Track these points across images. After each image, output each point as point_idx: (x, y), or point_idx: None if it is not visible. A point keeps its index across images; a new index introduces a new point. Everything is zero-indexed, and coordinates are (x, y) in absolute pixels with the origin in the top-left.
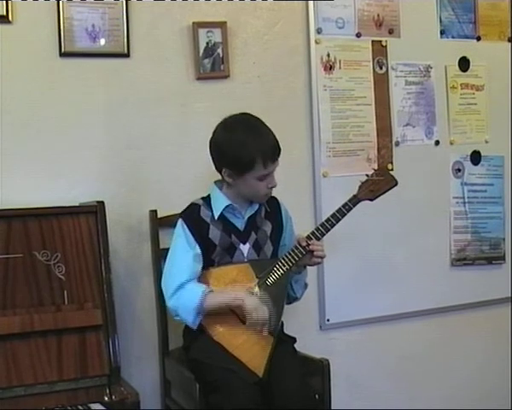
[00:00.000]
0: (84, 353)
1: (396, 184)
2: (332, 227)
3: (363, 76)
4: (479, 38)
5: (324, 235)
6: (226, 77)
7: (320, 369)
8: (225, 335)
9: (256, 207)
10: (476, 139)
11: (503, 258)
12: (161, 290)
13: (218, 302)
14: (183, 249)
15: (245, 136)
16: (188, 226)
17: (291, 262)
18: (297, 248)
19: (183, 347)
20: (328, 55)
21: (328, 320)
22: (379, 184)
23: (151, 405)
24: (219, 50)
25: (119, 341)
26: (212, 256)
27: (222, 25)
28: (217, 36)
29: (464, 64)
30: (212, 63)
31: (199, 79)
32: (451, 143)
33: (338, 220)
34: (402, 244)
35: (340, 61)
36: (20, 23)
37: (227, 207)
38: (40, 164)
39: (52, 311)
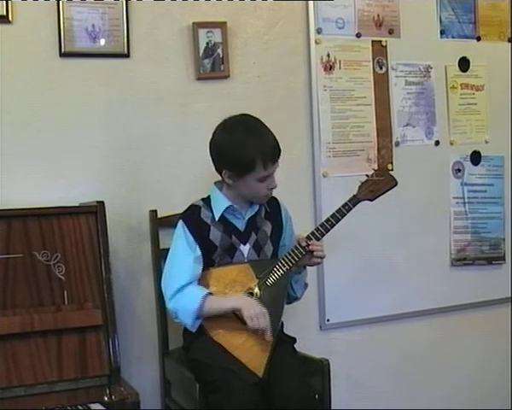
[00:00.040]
0: (84, 353)
1: (396, 184)
2: (332, 227)
3: (363, 76)
4: (479, 39)
5: (324, 235)
6: (226, 77)
7: (320, 369)
8: (225, 335)
9: (256, 207)
10: (476, 139)
11: (503, 258)
12: (161, 291)
13: (218, 307)
14: (183, 251)
15: (245, 137)
16: (188, 228)
17: (291, 262)
18: (297, 248)
19: (183, 347)
20: (328, 56)
21: (328, 320)
22: (379, 184)
23: (151, 405)
24: (219, 50)
25: (119, 341)
26: (212, 257)
27: (222, 25)
28: (217, 36)
29: (464, 64)
30: (212, 63)
31: (199, 79)
32: (451, 144)
33: (338, 221)
34: (402, 244)
35: (340, 62)
36: (20, 23)
37: (227, 208)
38: (40, 164)
39: (52, 311)
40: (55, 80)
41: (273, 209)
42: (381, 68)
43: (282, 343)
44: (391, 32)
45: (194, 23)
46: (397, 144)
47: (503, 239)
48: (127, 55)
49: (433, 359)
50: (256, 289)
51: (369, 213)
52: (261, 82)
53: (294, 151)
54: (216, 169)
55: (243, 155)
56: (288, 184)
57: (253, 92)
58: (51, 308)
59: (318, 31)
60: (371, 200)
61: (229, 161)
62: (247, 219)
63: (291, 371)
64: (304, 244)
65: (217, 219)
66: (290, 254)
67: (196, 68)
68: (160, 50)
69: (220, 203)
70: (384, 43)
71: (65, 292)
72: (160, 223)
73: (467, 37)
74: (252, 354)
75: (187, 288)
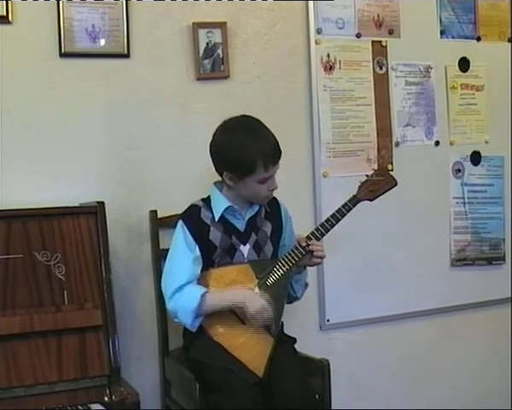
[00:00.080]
0: (84, 353)
1: (396, 184)
2: (332, 227)
3: (363, 76)
4: (479, 39)
5: (324, 235)
6: (226, 77)
7: (320, 369)
8: (225, 335)
9: (256, 208)
10: (476, 140)
11: (503, 258)
12: (161, 291)
13: (217, 304)
14: (182, 251)
15: (245, 139)
16: (188, 228)
17: (291, 263)
18: (297, 248)
19: (183, 347)
20: (328, 56)
21: (328, 320)
22: (378, 184)
23: (151, 405)
24: (219, 51)
25: (119, 341)
26: (212, 257)
27: (222, 25)
28: (217, 36)
29: (464, 64)
30: (212, 63)
31: (199, 79)
32: (451, 144)
33: (338, 221)
34: (402, 244)
35: (340, 62)
36: (20, 23)
37: (227, 208)
38: (40, 164)
39: (52, 311)
40: (55, 80)
41: (273, 209)
42: (381, 68)
43: (283, 343)
44: (391, 33)
45: (194, 23)
46: (397, 144)
47: (503, 239)
48: (127, 56)
49: (433, 359)
50: (256, 290)
51: (369, 214)
52: (261, 82)
53: (294, 151)
54: (216, 170)
55: (244, 157)
56: (288, 184)
57: (253, 92)
58: (51, 309)
59: (318, 31)
60: (371, 200)
61: (230, 163)
62: (247, 219)
63: (291, 371)
64: (304, 244)
65: (217, 219)
66: (290, 254)
67: (196, 68)
68: (160, 50)
69: (220, 204)
70: (384, 44)
71: (65, 292)
72: (160, 223)
73: (467, 37)
74: (252, 354)
75: (186, 287)
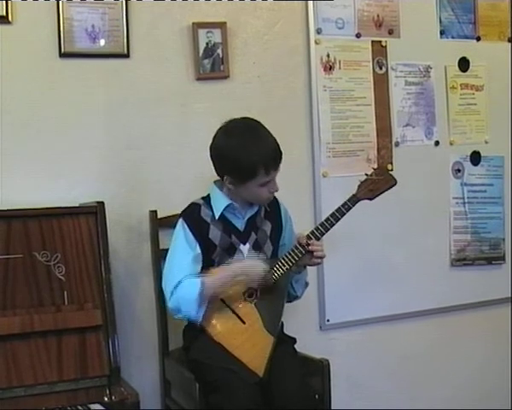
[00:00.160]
0: (83, 353)
1: (395, 183)
2: (331, 227)
3: (362, 76)
4: (478, 39)
5: (324, 234)
6: (226, 77)
7: (320, 369)
8: (225, 335)
9: (256, 207)
10: (476, 140)
11: (502, 258)
12: (161, 291)
13: (218, 285)
14: (183, 249)
15: (246, 144)
16: (188, 226)
17: (291, 262)
18: (297, 247)
19: (182, 347)
20: (328, 56)
21: (328, 321)
22: (378, 183)
23: (151, 405)
24: (219, 51)
25: (118, 341)
26: (212, 256)
27: (222, 25)
28: (216, 36)
29: (464, 64)
30: (211, 63)
31: (199, 79)
32: (451, 144)
33: (337, 220)
34: (402, 244)
35: (339, 62)
36: (19, 23)
37: (227, 206)
38: (40, 164)
39: (52, 311)
40: (55, 80)
41: (273, 209)
42: (380, 68)
43: (282, 344)
44: (391, 33)
45: (193, 23)
46: (396, 144)
47: (503, 239)
48: (127, 56)
49: (432, 359)
50: (256, 289)
51: (368, 214)
52: (261, 82)
53: (294, 151)
54: (217, 173)
55: (245, 163)
56: (288, 184)
57: (253, 92)
58: (51, 309)
59: (318, 31)
60: (371, 199)
61: (231, 167)
62: (246, 218)
63: (291, 371)
64: (304, 242)
65: (217, 217)
66: (290, 254)
67: (196, 68)
68: (159, 50)
69: (220, 202)
70: (384, 44)
71: (65, 292)
72: (160, 223)
73: (466, 37)
74: (252, 354)
75: (184, 280)
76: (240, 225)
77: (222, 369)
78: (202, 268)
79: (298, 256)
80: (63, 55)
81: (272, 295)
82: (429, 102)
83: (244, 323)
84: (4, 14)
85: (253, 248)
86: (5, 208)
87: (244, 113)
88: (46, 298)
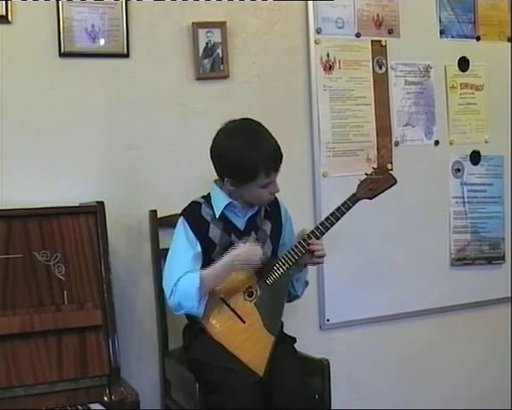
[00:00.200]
0: (83, 353)
1: (395, 182)
2: (331, 226)
3: (362, 76)
4: (478, 38)
5: (324, 234)
6: (226, 77)
7: (320, 369)
8: (225, 334)
9: (256, 207)
10: (476, 139)
11: (502, 258)
12: (161, 290)
13: (217, 275)
14: (183, 247)
15: (246, 146)
16: (189, 224)
17: (291, 261)
18: (300, 243)
19: (182, 347)
20: (328, 55)
21: (327, 320)
22: (378, 182)
23: (151, 405)
24: (219, 50)
25: (118, 341)
26: (211, 255)
27: (221, 25)
28: (216, 36)
29: (464, 64)
30: (211, 63)
31: (198, 79)
32: (451, 143)
33: (337, 219)
34: (402, 244)
35: (339, 61)
36: (19, 23)
37: (228, 205)
38: (40, 164)
39: (52, 311)
40: (55, 80)
41: (273, 209)
42: (380, 68)
43: (282, 343)
44: (390, 32)
45: (193, 23)
46: (396, 144)
47: (503, 239)
48: (127, 55)
49: (432, 359)
50: (256, 289)
51: (368, 213)
52: (261, 82)
53: (294, 151)
54: (217, 174)
55: (245, 165)
56: (288, 183)
57: (253, 92)
58: (51, 308)
59: (318, 31)
60: (371, 198)
61: (231, 170)
62: (246, 218)
63: (291, 371)
64: (306, 239)
65: (217, 216)
66: (291, 252)
67: (196, 68)
68: (159, 50)
69: (220, 201)
70: (383, 43)
71: (65, 292)
72: (160, 223)
73: (466, 36)
74: (252, 354)
75: (183, 276)
76: (240, 224)
77: (222, 369)
78: (202, 267)
79: (301, 252)
80: (63, 54)
81: (272, 294)
82: (429, 102)
83: (244, 322)
84: (4, 13)
85: None
86: (5, 208)
87: (244, 112)
88: (46, 298)
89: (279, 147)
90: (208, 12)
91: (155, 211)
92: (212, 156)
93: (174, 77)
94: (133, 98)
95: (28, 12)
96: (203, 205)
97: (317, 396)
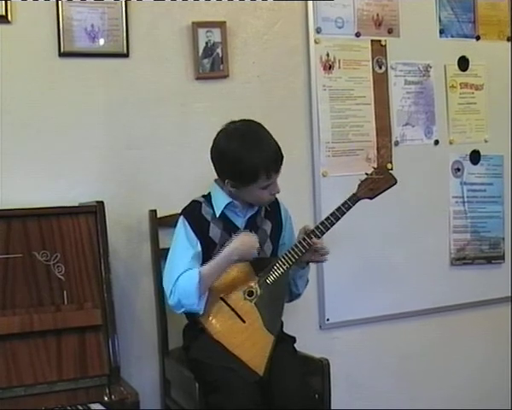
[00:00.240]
0: (83, 353)
1: (395, 182)
2: (331, 226)
3: (362, 76)
4: (478, 38)
5: (324, 234)
6: (225, 77)
7: (320, 369)
8: (225, 334)
9: (256, 207)
10: (475, 139)
11: (502, 257)
12: (161, 290)
13: (215, 269)
14: (183, 247)
15: (247, 149)
16: (189, 223)
17: (291, 260)
18: (304, 239)
19: (182, 346)
20: (328, 55)
21: (327, 320)
22: (378, 182)
23: (151, 405)
24: (219, 50)
25: (118, 341)
26: (211, 255)
27: (221, 24)
28: (216, 36)
29: (464, 63)
30: (211, 63)
31: (198, 78)
32: (451, 143)
33: (337, 219)
34: (401, 244)
35: (339, 61)
36: (19, 23)
37: (228, 204)
38: (40, 164)
39: (52, 311)
40: (55, 80)
41: (273, 208)
42: (380, 68)
43: (282, 343)
44: (390, 32)
45: (193, 23)
46: (396, 144)
47: (503, 238)
48: (126, 55)
49: (432, 358)
50: (256, 288)
51: (368, 213)
52: (260, 82)
53: (294, 151)
54: (218, 176)
55: (246, 167)
56: (288, 183)
57: (253, 92)
58: (51, 308)
59: (318, 30)
60: (371, 198)
61: (232, 171)
62: (247, 217)
63: (291, 370)
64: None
65: (218, 215)
66: (292, 251)
67: (196, 68)
68: (159, 50)
69: (221, 200)
70: (383, 43)
71: (64, 292)
72: (160, 223)
73: (466, 36)
74: (252, 353)
75: (182, 274)
76: (240, 223)
77: (222, 368)
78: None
79: (301, 252)
80: (63, 54)
81: (272, 294)
82: (429, 102)
83: (244, 322)
84: (4, 13)
85: None
86: (5, 208)
87: (244, 112)
88: (46, 298)
89: (279, 148)
90: (208, 12)
91: (155, 211)
92: (212, 158)
93: (174, 77)
94: (133, 98)
95: (28, 12)
96: (203, 204)
97: (316, 396)
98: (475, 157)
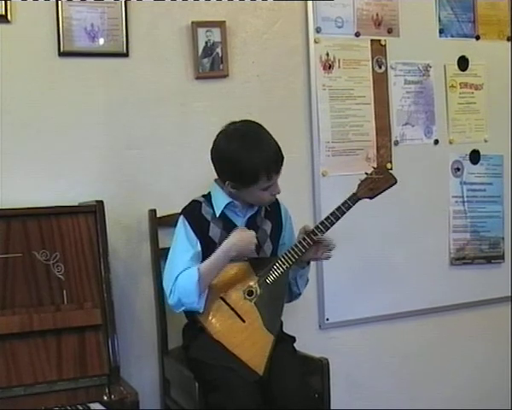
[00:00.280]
0: (83, 352)
1: (395, 182)
2: (331, 226)
3: (362, 75)
4: (478, 37)
5: (324, 233)
6: (225, 76)
7: (319, 368)
8: (225, 333)
9: (256, 207)
10: (475, 138)
11: (502, 257)
12: (161, 290)
13: (214, 266)
14: (183, 247)
15: (247, 150)
16: (189, 223)
17: (291, 260)
18: (304, 239)
19: (182, 346)
20: (328, 55)
21: (327, 320)
22: (378, 182)
23: (150, 404)
24: (218, 50)
25: (118, 340)
26: (211, 254)
27: (221, 24)
28: (216, 35)
29: (463, 63)
30: (211, 62)
31: (198, 78)
32: (450, 143)
33: (337, 219)
34: (401, 243)
35: (339, 61)
36: (19, 23)
37: (228, 204)
38: (40, 164)
39: (51, 310)
40: (55, 80)
41: (273, 208)
42: (380, 67)
43: (282, 342)
44: (390, 31)
45: (193, 22)
46: (396, 143)
47: (503, 238)
48: (126, 55)
49: (432, 358)
50: (256, 288)
51: (368, 213)
52: (260, 81)
53: (294, 150)
54: (218, 177)
55: (247, 169)
56: (288, 183)
57: (253, 91)
58: (50, 308)
59: (317, 30)
60: (371, 198)
61: (233, 173)
62: (247, 217)
63: (290, 370)
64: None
65: (218, 215)
66: (291, 251)
67: (195, 68)
68: (159, 50)
69: (221, 200)
70: (383, 43)
71: (64, 292)
72: (160, 222)
73: (466, 36)
74: (252, 353)
75: (181, 273)
76: (240, 223)
77: (222, 367)
78: None
79: (301, 251)
80: (62, 54)
81: (272, 293)
82: (428, 101)
83: (244, 321)
84: (3, 13)
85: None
86: (5, 208)
87: (243, 112)
88: (45, 297)
89: (280, 149)
90: (208, 12)
91: (155, 210)
92: (212, 159)
93: (174, 76)
94: (133, 98)
95: (28, 11)
96: (203, 204)
97: (316, 396)
98: (475, 157)
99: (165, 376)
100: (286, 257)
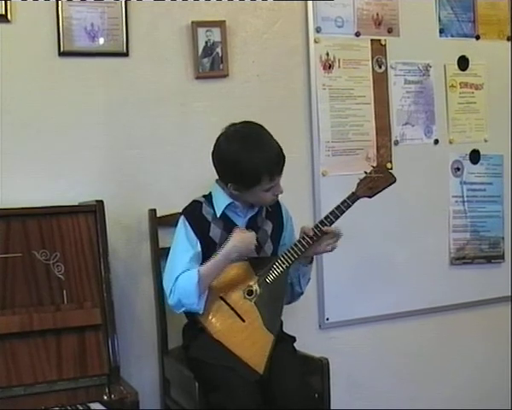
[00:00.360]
0: (83, 352)
1: (395, 181)
2: (331, 225)
3: (362, 75)
4: (478, 37)
5: (323, 233)
6: (225, 76)
7: (319, 368)
8: (225, 333)
9: (257, 207)
10: (475, 138)
11: (502, 257)
12: (161, 289)
13: (214, 268)
14: (183, 247)
15: (249, 153)
16: (189, 223)
17: (291, 260)
18: (300, 242)
19: (182, 346)
20: (328, 54)
21: (327, 319)
22: (377, 181)
23: (150, 404)
24: (218, 49)
25: (118, 340)
26: (212, 255)
27: (221, 24)
28: (216, 35)
29: (463, 63)
30: (211, 62)
31: (198, 78)
32: (451, 142)
33: (337, 218)
34: (401, 243)
35: (339, 60)
36: (19, 22)
37: (229, 205)
38: (40, 164)
39: (51, 310)
40: (55, 80)
41: (274, 209)
42: (380, 67)
43: (282, 342)
44: (390, 31)
45: (193, 22)
46: (396, 143)
47: (502, 238)
48: (126, 55)
49: (432, 358)
50: (256, 287)
51: (368, 212)
52: (260, 81)
53: (294, 150)
54: (220, 179)
55: (249, 171)
56: (288, 183)
57: (253, 91)
58: (50, 308)
59: (317, 30)
60: (370, 197)
61: (234, 176)
62: (247, 218)
63: (291, 370)
64: (311, 234)
65: (218, 215)
66: (291, 251)
67: (195, 67)
68: (159, 50)
69: (222, 200)
70: (383, 42)
71: (64, 291)
72: (160, 222)
73: (466, 35)
74: (252, 352)
75: (181, 275)
76: (241, 223)
77: (222, 367)
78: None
79: (300, 251)
80: (62, 53)
81: (272, 293)
82: (429, 101)
83: (244, 321)
84: (3, 12)
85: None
86: (5, 208)
87: (243, 111)
88: (45, 297)
89: (281, 149)
90: (208, 12)
91: (155, 210)
92: (213, 161)
93: (174, 76)
94: (133, 98)
95: (28, 11)
96: (204, 204)
97: (316, 395)
98: (475, 157)
99: (166, 376)
100: (286, 257)
